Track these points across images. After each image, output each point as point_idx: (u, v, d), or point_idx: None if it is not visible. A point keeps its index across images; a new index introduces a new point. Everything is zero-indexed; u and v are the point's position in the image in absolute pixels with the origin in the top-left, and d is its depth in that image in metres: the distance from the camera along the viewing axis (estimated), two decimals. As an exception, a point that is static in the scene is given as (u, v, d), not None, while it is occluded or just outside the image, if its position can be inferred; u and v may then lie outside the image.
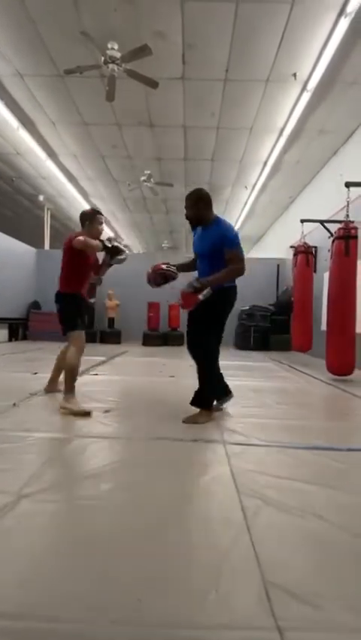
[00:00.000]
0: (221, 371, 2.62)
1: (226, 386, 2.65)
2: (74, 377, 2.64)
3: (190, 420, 2.36)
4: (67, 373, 2.64)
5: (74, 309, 2.67)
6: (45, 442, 1.94)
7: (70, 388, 2.60)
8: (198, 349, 2.49)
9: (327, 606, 0.86)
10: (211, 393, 2.52)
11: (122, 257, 2.70)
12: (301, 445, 1.97)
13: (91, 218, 2.71)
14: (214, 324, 2.46)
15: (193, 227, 2.55)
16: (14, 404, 2.61)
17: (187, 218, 2.51)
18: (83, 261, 2.65)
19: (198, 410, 2.42)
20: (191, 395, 2.47)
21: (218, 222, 2.43)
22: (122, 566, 1.00)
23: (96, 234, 2.68)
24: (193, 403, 2.45)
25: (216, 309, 2.42)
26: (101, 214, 2.78)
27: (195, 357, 2.51)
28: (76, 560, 1.02)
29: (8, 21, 4.18)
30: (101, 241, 2.61)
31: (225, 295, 2.43)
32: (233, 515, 1.25)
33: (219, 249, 2.35)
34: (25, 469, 1.57)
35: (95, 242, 2.58)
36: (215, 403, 2.57)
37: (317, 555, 1.07)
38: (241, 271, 2.38)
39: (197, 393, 2.47)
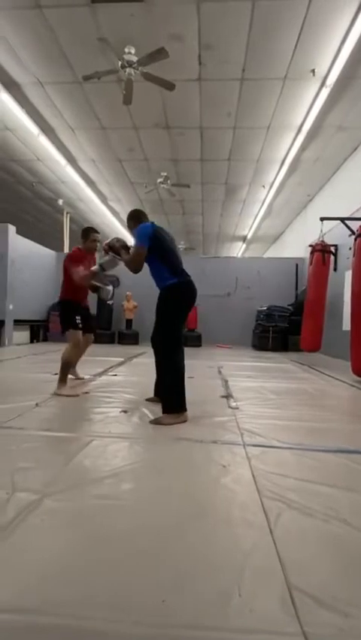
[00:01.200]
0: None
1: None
2: (67, 369, 3.15)
3: (156, 421, 2.32)
4: (61, 365, 3.11)
5: (66, 312, 3.25)
6: (66, 441, 1.97)
7: (62, 378, 3.10)
8: (157, 348, 2.54)
9: (354, 612, 0.84)
10: (173, 395, 2.38)
11: (108, 287, 3.29)
12: (323, 448, 1.93)
13: (86, 235, 3.37)
14: (167, 321, 2.46)
15: None
16: (36, 404, 2.67)
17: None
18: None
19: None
20: (210, 396, 2.44)
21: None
22: (145, 565, 1.00)
23: (90, 248, 3.32)
24: (163, 407, 2.40)
25: (165, 306, 2.47)
26: (95, 232, 3.39)
27: (156, 355, 2.59)
28: (98, 558, 1.03)
29: (28, 31, 4.29)
30: (96, 269, 3.04)
31: (170, 292, 2.47)
32: (255, 517, 1.24)
33: None
34: (48, 468, 1.60)
35: (81, 274, 3.10)
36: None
37: (341, 560, 1.04)
38: (129, 264, 2.55)
39: (164, 397, 2.44)
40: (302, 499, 1.37)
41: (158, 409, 2.58)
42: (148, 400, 2.86)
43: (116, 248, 2.74)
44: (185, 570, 0.98)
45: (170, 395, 2.41)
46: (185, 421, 2.34)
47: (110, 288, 3.28)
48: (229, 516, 1.26)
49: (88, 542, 1.11)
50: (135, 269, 2.55)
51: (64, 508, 1.29)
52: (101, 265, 2.97)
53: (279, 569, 0.98)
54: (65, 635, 0.79)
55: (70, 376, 3.54)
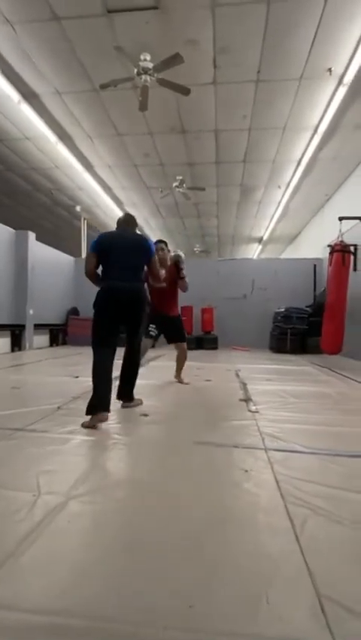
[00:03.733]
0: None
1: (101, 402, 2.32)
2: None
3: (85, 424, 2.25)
4: None
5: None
6: (89, 444, 2.00)
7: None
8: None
9: (388, 625, 0.82)
10: (92, 396, 2.34)
11: None
12: (349, 453, 1.88)
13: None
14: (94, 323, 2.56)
15: None
16: (58, 407, 2.72)
17: None
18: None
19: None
20: (229, 400, 2.41)
21: None
22: (170, 569, 1.00)
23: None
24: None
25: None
26: (158, 242, 3.53)
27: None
28: (124, 562, 1.04)
29: (47, 43, 4.40)
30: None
31: (97, 295, 2.62)
32: (280, 524, 1.22)
33: None
34: (72, 471, 1.63)
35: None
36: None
37: (372, 570, 1.01)
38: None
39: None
40: (329, 505, 1.34)
41: (179, 411, 2.58)
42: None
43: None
44: (211, 575, 0.98)
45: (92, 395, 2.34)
46: (101, 421, 2.24)
47: None
48: (253, 522, 1.25)
49: (114, 546, 1.12)
50: (86, 272, 2.71)
51: (89, 510, 1.31)
52: None
53: (307, 577, 0.96)
54: (97, 638, 0.79)
55: (175, 381, 3.96)
